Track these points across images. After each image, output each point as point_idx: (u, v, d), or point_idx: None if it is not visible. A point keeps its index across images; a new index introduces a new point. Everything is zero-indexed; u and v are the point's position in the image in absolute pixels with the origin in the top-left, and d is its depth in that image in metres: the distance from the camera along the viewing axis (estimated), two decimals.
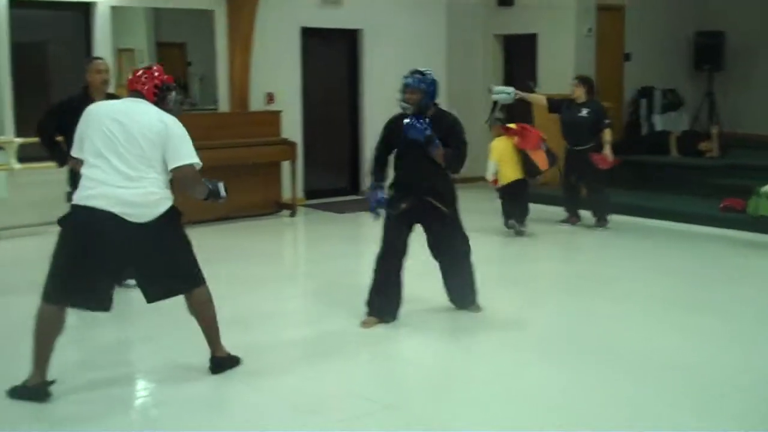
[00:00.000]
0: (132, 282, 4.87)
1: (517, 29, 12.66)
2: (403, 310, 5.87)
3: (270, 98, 10.78)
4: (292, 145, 10.35)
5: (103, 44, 9.47)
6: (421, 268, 6.05)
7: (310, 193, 11.27)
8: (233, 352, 4.93)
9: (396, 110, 5.76)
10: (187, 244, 4.70)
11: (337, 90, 11.82)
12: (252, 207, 10.05)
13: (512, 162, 8.81)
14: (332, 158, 11.84)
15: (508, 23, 12.77)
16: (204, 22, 10.47)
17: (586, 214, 9.44)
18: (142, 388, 4.91)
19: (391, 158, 5.88)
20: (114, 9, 9.63)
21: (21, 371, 4.50)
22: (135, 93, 4.63)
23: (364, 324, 5.76)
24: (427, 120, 5.54)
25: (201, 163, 4.60)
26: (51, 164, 6.83)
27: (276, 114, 10.45)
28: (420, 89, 5.59)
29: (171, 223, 4.55)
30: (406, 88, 5.63)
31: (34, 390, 4.43)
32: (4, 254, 8.20)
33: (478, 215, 9.30)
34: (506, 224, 9.02)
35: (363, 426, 4.23)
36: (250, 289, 6.87)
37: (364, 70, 11.76)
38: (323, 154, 11.60)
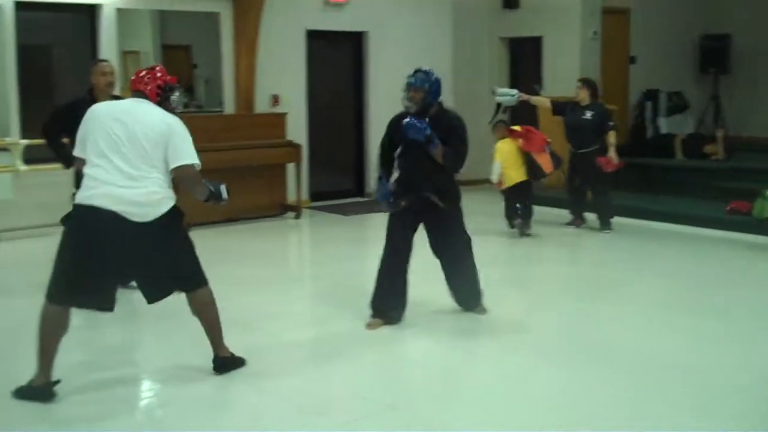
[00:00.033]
0: (135, 284, 4.87)
1: (523, 32, 12.66)
2: (409, 311, 5.87)
3: (275, 100, 10.79)
4: (297, 147, 10.37)
5: (108, 46, 9.50)
6: (427, 270, 6.04)
7: (315, 195, 11.27)
8: (238, 354, 4.94)
9: (400, 110, 5.79)
10: (189, 245, 4.71)
11: (342, 92, 11.83)
12: (257, 209, 10.06)
13: (516, 164, 8.82)
14: (337, 160, 11.85)
15: (514, 26, 12.77)
16: (209, 25, 10.49)
17: (591, 217, 9.43)
18: (146, 389, 4.91)
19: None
20: (119, 11, 9.66)
21: (26, 372, 4.51)
22: (138, 93, 4.65)
23: (369, 326, 5.76)
24: (427, 120, 5.56)
25: (200, 164, 4.60)
26: (56, 166, 6.84)
27: (281, 116, 10.46)
28: (423, 88, 5.61)
29: (173, 223, 4.55)
30: (409, 87, 5.65)
31: (40, 390, 4.43)
32: (10, 255, 8.21)
33: (483, 217, 9.32)
34: (510, 225, 9.03)
35: (368, 427, 4.23)
36: (255, 290, 6.87)
37: (369, 73, 11.77)
38: (328, 156, 11.61)
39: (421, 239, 5.88)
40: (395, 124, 5.77)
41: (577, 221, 9.53)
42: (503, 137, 8.98)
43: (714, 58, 13.20)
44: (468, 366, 5.28)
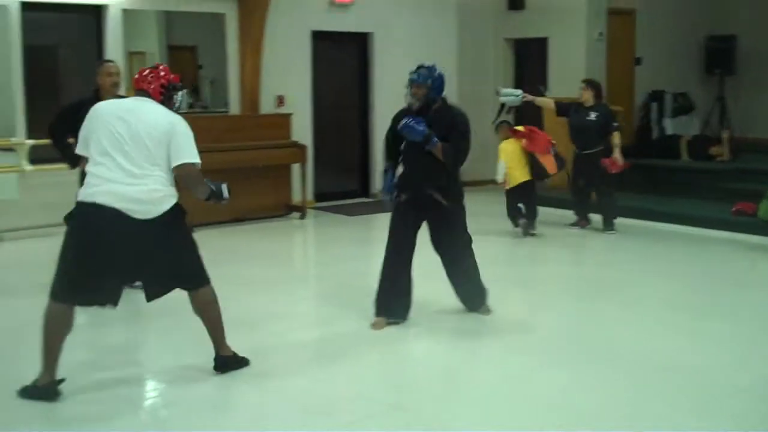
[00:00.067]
0: (139, 283, 4.88)
1: (528, 33, 12.66)
2: (414, 311, 5.88)
3: (280, 101, 10.80)
4: (302, 147, 10.37)
5: (114, 47, 9.52)
6: (430, 269, 6.04)
7: (319, 196, 11.28)
8: (242, 354, 4.95)
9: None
10: (191, 243, 4.71)
11: (347, 93, 11.84)
12: (262, 209, 10.08)
13: (520, 164, 8.83)
14: (342, 161, 11.86)
15: (519, 27, 12.77)
16: (215, 26, 10.51)
17: (596, 218, 9.42)
18: (150, 389, 4.92)
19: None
20: (125, 12, 9.68)
21: (30, 372, 4.52)
22: (141, 92, 4.66)
23: (374, 325, 5.76)
24: (422, 118, 5.56)
25: (200, 163, 4.61)
26: (62, 166, 6.86)
27: (286, 117, 10.47)
28: (426, 84, 5.62)
29: (175, 221, 4.56)
30: (412, 83, 5.67)
31: (44, 389, 4.45)
32: (15, 255, 8.23)
33: (486, 218, 9.32)
34: (515, 224, 9.03)
35: (372, 428, 4.23)
36: (260, 290, 6.88)
37: (374, 73, 11.77)
38: (333, 157, 11.62)
39: (424, 238, 5.88)
40: (399, 119, 5.78)
41: (582, 222, 9.52)
42: (507, 137, 8.98)
43: (719, 59, 13.17)
44: (471, 366, 5.28)
